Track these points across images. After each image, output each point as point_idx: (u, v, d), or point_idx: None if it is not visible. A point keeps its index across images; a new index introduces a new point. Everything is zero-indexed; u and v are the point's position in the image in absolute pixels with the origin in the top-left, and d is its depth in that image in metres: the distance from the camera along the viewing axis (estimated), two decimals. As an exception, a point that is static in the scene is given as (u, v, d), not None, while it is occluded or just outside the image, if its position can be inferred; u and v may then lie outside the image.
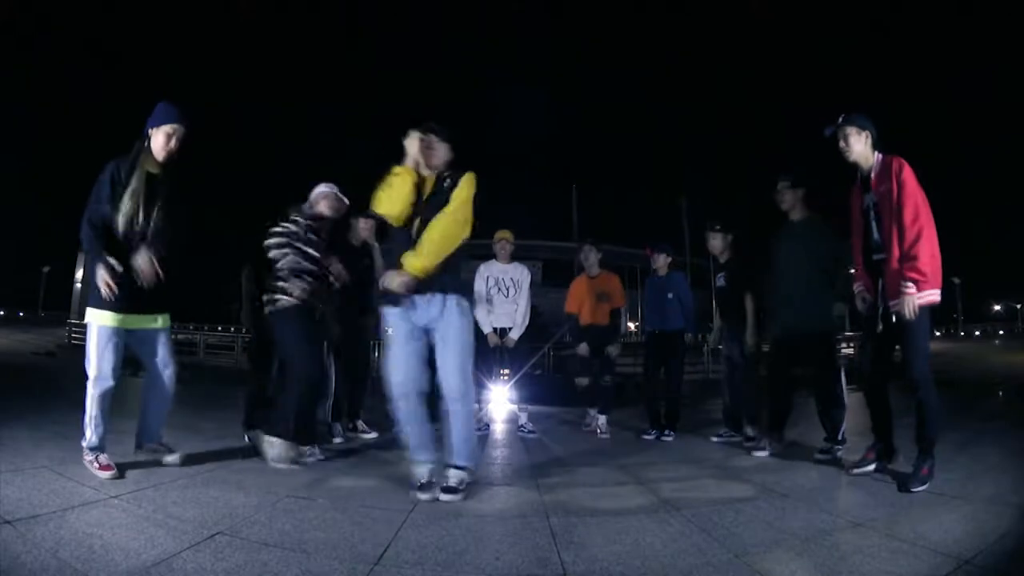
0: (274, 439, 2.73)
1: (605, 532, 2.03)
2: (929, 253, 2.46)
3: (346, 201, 3.29)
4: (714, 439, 3.94)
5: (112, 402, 2.54)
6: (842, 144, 2.76)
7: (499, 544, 1.92)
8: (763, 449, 3.34)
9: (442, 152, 2.56)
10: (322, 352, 3.09)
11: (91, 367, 2.50)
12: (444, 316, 2.48)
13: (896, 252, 2.53)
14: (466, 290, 2.61)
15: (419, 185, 2.54)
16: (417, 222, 2.48)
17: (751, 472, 2.95)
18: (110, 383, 2.51)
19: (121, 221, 2.51)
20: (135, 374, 2.68)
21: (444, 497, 2.38)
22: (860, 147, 2.72)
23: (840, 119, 2.76)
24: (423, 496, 2.39)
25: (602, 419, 4.37)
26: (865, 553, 1.78)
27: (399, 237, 2.53)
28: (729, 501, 2.39)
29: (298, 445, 2.84)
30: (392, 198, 2.49)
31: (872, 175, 2.70)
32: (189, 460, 2.75)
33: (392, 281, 2.41)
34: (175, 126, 2.66)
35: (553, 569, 1.71)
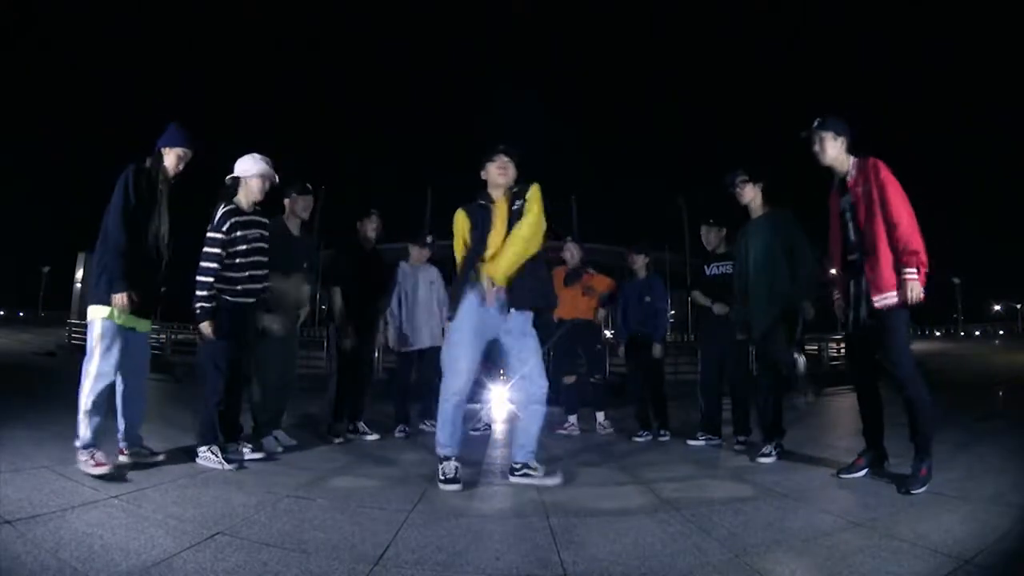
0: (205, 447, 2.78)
1: (605, 532, 2.03)
2: (923, 245, 2.48)
3: (276, 178, 3.05)
4: (691, 442, 3.83)
5: (108, 400, 2.56)
6: (816, 147, 2.74)
7: (499, 544, 1.92)
8: (769, 455, 3.17)
9: (512, 171, 2.81)
10: (228, 353, 2.86)
11: (92, 363, 2.53)
12: (514, 326, 2.70)
13: (881, 249, 2.52)
14: (537, 303, 2.78)
15: (490, 213, 2.76)
16: (489, 250, 2.70)
17: (751, 472, 2.94)
18: (111, 379, 2.55)
19: (145, 233, 2.62)
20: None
21: (546, 482, 2.63)
22: (834, 152, 2.72)
23: (816, 123, 2.75)
24: (451, 488, 2.54)
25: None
26: (865, 553, 1.78)
27: (469, 262, 2.74)
28: (729, 501, 2.39)
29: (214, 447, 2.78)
30: (457, 244, 2.84)
31: (848, 178, 2.70)
32: (189, 460, 2.75)
33: (487, 295, 2.66)
34: (186, 151, 2.78)
35: (553, 569, 1.71)
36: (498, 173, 2.78)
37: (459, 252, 2.84)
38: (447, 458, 2.66)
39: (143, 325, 2.76)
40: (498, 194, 2.80)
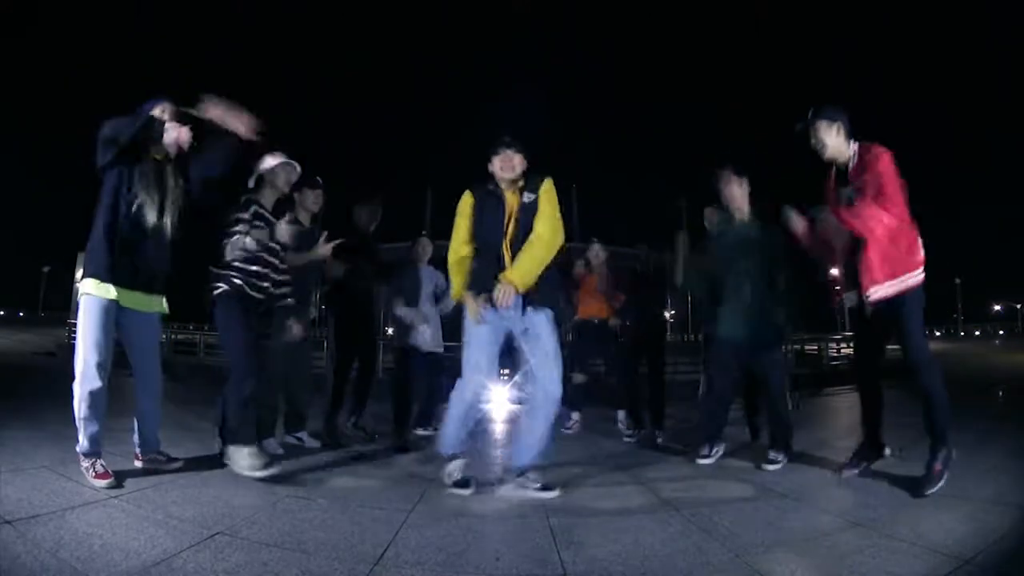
0: (241, 448, 2.61)
1: (605, 532, 2.03)
2: (918, 242, 2.46)
3: (297, 168, 3.07)
4: (701, 461, 3.72)
5: (104, 401, 2.38)
6: (814, 140, 2.67)
7: (499, 544, 1.92)
8: (778, 462, 2.99)
9: (518, 164, 2.67)
10: (253, 345, 2.76)
11: (79, 359, 2.33)
12: (532, 324, 2.57)
13: (877, 239, 2.46)
14: (554, 301, 2.69)
15: (501, 202, 2.64)
16: (505, 244, 2.58)
17: (751, 472, 2.94)
18: (99, 382, 2.32)
19: (136, 209, 2.41)
20: (132, 374, 2.65)
21: (543, 495, 2.48)
22: (832, 140, 2.64)
23: (809, 113, 2.67)
24: (465, 491, 2.50)
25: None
26: (865, 553, 1.78)
27: (485, 258, 2.62)
28: (729, 501, 2.39)
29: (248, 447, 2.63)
30: (457, 226, 2.71)
31: (849, 167, 2.62)
32: (188, 461, 2.75)
33: (502, 297, 2.48)
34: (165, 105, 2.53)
35: (553, 569, 1.71)
36: (501, 167, 2.64)
37: (459, 234, 2.70)
38: (453, 457, 2.60)
39: (145, 303, 2.52)
40: (506, 186, 2.67)
